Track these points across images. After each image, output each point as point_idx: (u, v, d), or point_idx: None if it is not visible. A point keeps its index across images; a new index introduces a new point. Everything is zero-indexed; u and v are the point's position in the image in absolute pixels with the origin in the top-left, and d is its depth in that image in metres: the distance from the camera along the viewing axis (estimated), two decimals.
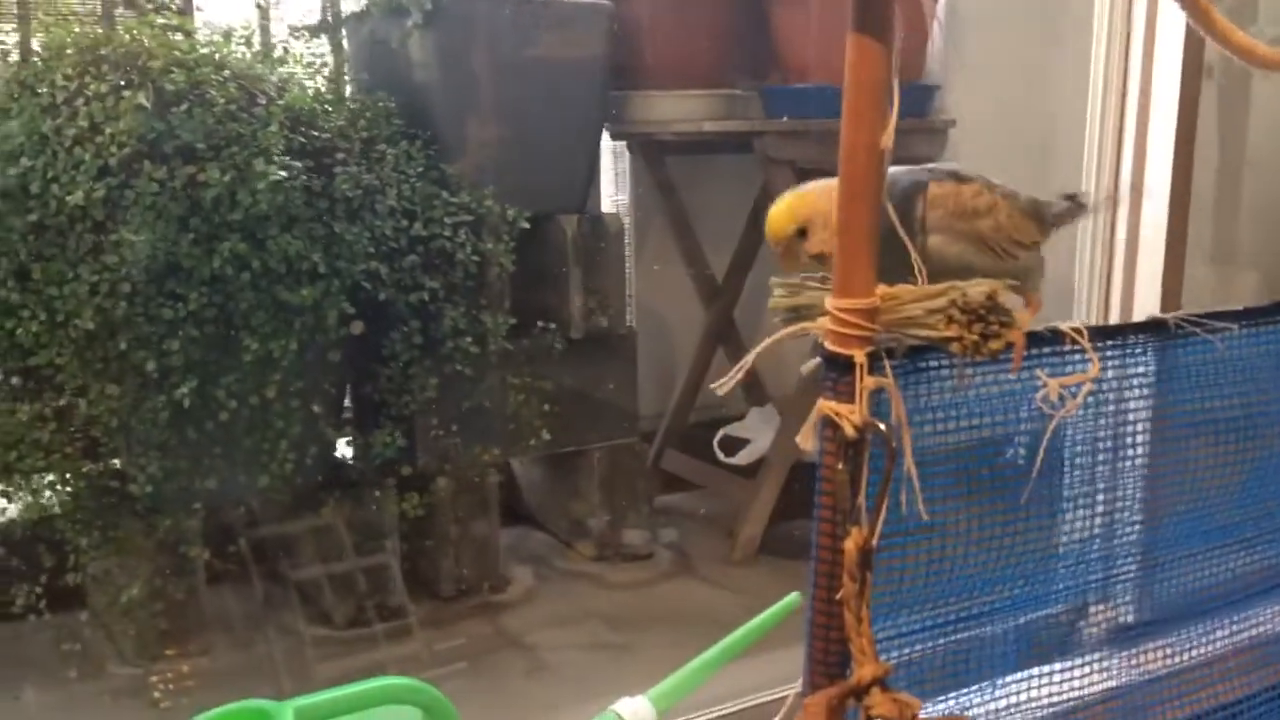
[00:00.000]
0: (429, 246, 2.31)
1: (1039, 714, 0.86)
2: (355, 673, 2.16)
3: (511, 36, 2.44)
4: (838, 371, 0.64)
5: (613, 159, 3.01)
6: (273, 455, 2.19)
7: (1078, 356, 0.72)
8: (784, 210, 0.87)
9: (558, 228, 2.56)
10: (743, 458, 2.85)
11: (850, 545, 0.63)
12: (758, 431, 2.86)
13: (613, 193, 3.04)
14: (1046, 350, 0.71)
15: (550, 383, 2.53)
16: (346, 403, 2.48)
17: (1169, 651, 0.94)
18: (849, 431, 0.63)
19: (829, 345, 0.64)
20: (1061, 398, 0.69)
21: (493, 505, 2.53)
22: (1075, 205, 0.95)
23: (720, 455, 2.89)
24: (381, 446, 2.35)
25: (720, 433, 2.91)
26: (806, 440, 0.65)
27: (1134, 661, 0.93)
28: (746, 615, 1.56)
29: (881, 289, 0.63)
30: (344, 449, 2.46)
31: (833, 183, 0.89)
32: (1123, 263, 1.88)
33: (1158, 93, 1.83)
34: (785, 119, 2.58)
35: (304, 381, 2.21)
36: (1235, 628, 0.96)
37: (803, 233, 0.85)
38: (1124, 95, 1.86)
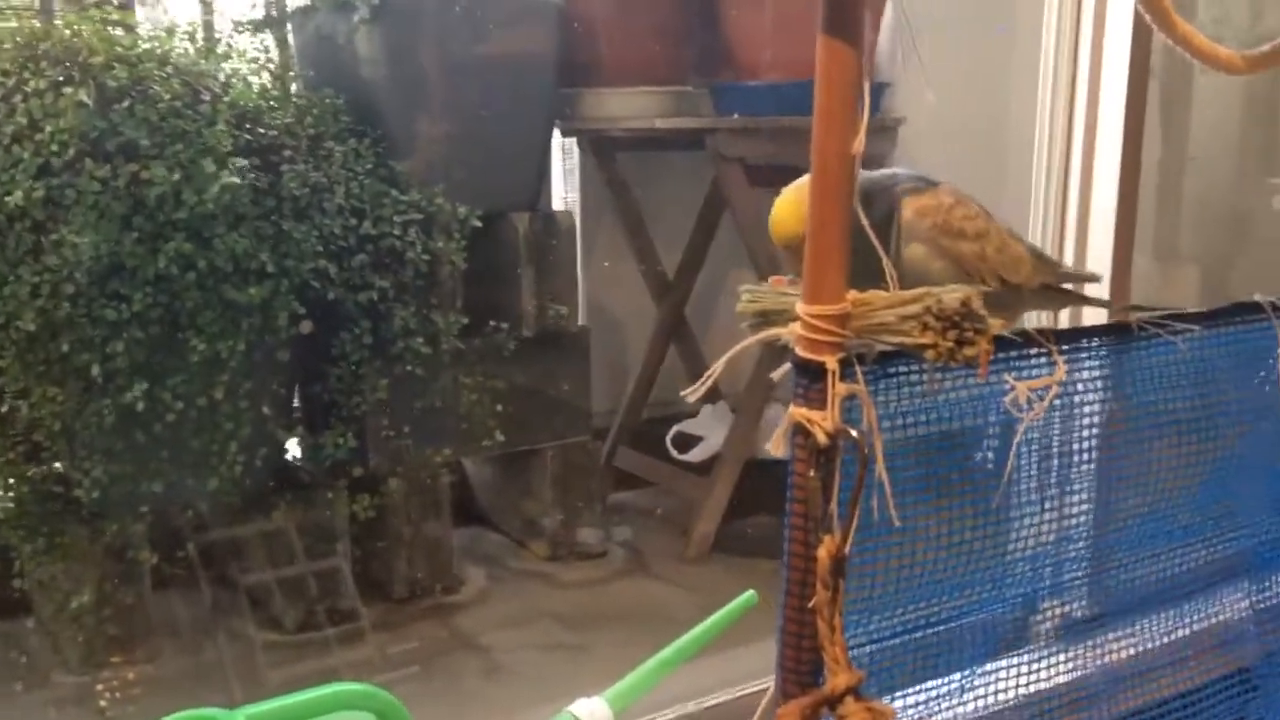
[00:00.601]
0: (378, 245, 2.28)
1: (1001, 707, 0.87)
2: (307, 678, 2.13)
3: (460, 33, 2.41)
4: (808, 378, 0.64)
5: (563, 156, 2.99)
6: (221, 458, 2.15)
7: (1043, 359, 0.72)
8: (790, 208, 0.83)
9: (509, 225, 2.54)
10: (696, 455, 2.85)
11: (823, 553, 0.62)
12: (711, 429, 2.86)
13: (564, 190, 3.03)
14: (1013, 354, 0.71)
15: (502, 382, 2.52)
16: (296, 404, 2.45)
17: (1128, 642, 0.95)
18: (821, 439, 0.62)
19: (800, 352, 0.64)
20: (1029, 401, 0.69)
21: (445, 506, 2.51)
22: (1087, 278, 0.96)
23: (673, 452, 2.88)
24: (332, 448, 2.32)
25: (673, 430, 2.91)
26: (778, 447, 0.65)
27: (1093, 653, 0.94)
28: (701, 613, 1.55)
29: (853, 295, 0.63)
30: (294, 450, 2.42)
31: None
32: (1072, 258, 1.89)
33: (1106, 91, 1.85)
34: (736, 116, 2.58)
35: (252, 382, 2.17)
36: (1193, 617, 0.96)
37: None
38: (1073, 93, 1.87)
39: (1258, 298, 0.83)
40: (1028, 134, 1.95)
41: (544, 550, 2.68)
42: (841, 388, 0.62)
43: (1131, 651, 0.95)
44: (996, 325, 0.61)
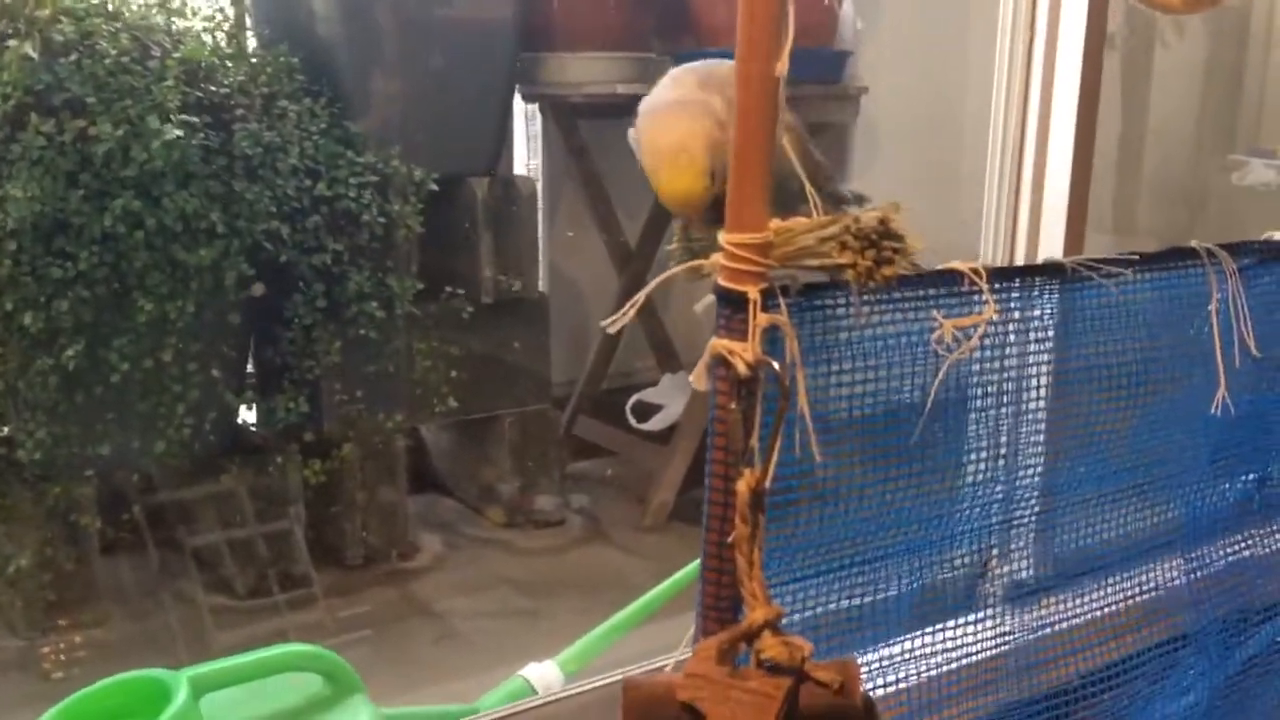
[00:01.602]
0: (333, 207, 2.25)
1: (934, 668, 0.86)
2: (256, 642, 2.10)
3: None
4: (731, 308, 0.62)
5: (526, 122, 2.96)
6: (169, 420, 2.12)
7: (976, 298, 0.71)
8: (688, 174, 0.81)
9: (468, 190, 2.52)
10: (656, 424, 2.85)
11: (742, 487, 0.61)
12: (671, 397, 2.86)
13: (525, 156, 3.00)
14: (943, 291, 0.70)
15: (459, 348, 2.50)
16: (249, 368, 2.42)
17: (1066, 607, 0.95)
18: (741, 369, 0.61)
19: (722, 281, 0.62)
20: (956, 339, 0.69)
21: (400, 471, 2.49)
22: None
23: (633, 421, 2.87)
24: (284, 411, 2.29)
25: (633, 399, 2.90)
26: (700, 380, 0.64)
27: (1031, 617, 0.93)
28: (656, 581, 1.55)
29: (775, 222, 0.62)
30: (246, 414, 2.40)
31: (682, 104, 0.85)
32: (1026, 232, 1.89)
33: (1061, 60, 1.84)
34: None
35: (202, 344, 2.14)
36: (1131, 582, 0.96)
37: (712, 177, 0.81)
38: (1029, 62, 1.86)
39: (1194, 244, 0.83)
40: (985, 102, 1.95)
41: (501, 517, 2.67)
42: (763, 318, 0.61)
43: (1070, 614, 0.94)
44: (916, 244, 0.60)
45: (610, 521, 2.72)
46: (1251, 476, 0.96)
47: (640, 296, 0.65)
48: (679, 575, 1.55)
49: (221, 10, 2.37)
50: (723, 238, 0.62)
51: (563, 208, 3.07)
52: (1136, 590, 0.97)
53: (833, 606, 0.73)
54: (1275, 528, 0.98)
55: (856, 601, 0.74)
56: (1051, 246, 1.91)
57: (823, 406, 0.64)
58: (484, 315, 2.54)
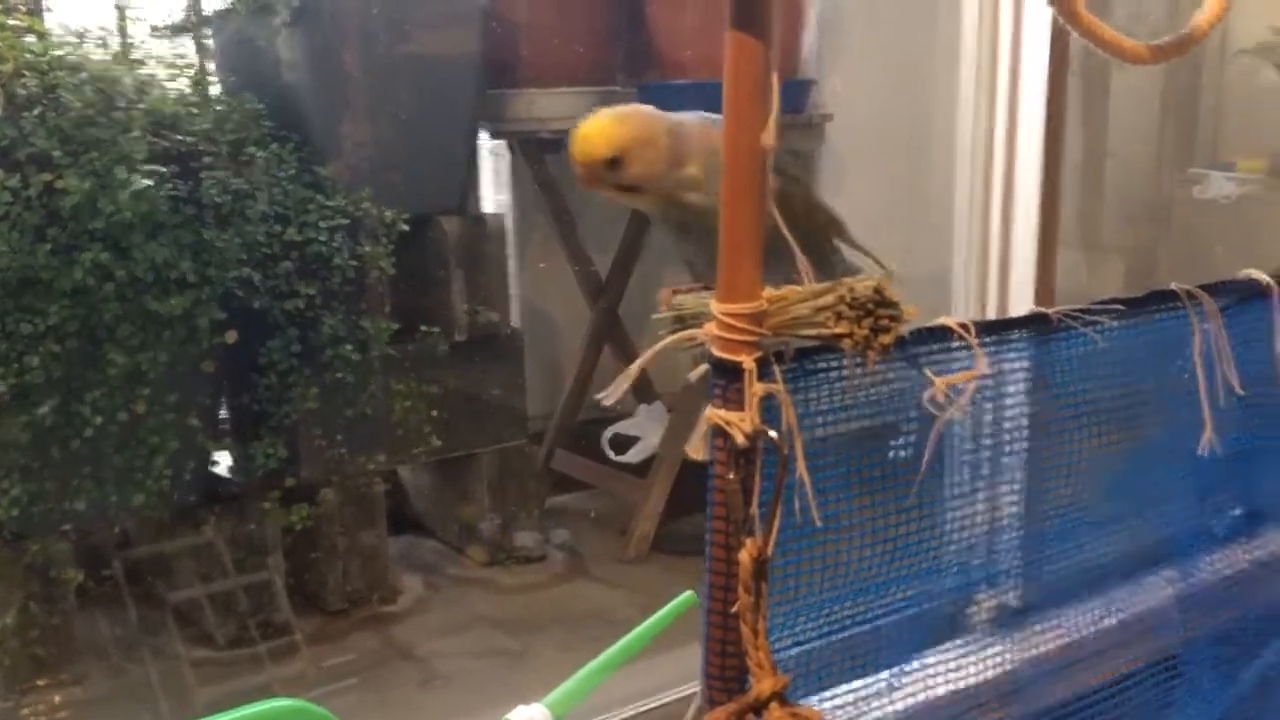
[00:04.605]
0: (304, 252, 2.24)
1: (931, 702, 0.86)
2: (240, 695, 2.09)
3: (383, 35, 2.38)
4: (726, 378, 0.62)
5: (492, 159, 2.96)
6: (146, 472, 2.10)
7: (963, 352, 0.72)
8: (599, 134, 0.85)
9: (438, 229, 2.51)
10: (633, 456, 2.84)
11: (744, 557, 0.61)
12: (647, 429, 2.85)
13: (493, 193, 3.00)
14: (934, 347, 0.71)
15: (436, 387, 2.49)
16: (223, 415, 2.40)
17: (1055, 633, 0.95)
18: (740, 440, 0.61)
19: (716, 352, 0.63)
20: (948, 396, 0.69)
21: (379, 514, 2.48)
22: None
23: (610, 454, 2.87)
24: (262, 459, 2.28)
25: (610, 431, 2.89)
26: (698, 451, 0.63)
27: (1022, 645, 0.94)
28: (641, 614, 1.54)
29: (768, 291, 0.62)
30: (223, 463, 2.38)
31: (649, 109, 0.89)
32: (998, 252, 1.91)
33: (1026, 86, 1.86)
34: None
35: (177, 395, 2.13)
36: (1121, 604, 0.97)
37: (615, 162, 0.84)
38: (994, 88, 1.89)
39: (1174, 286, 0.84)
40: (951, 128, 1.97)
41: (482, 556, 2.66)
42: (759, 387, 0.61)
43: (1059, 642, 0.95)
44: (911, 312, 0.61)
45: (592, 556, 2.72)
46: (1239, 512, 0.97)
47: (634, 369, 0.65)
48: (666, 609, 1.54)
49: (184, 57, 2.36)
50: (715, 307, 0.62)
51: (532, 243, 3.07)
52: (1129, 611, 0.97)
53: (834, 665, 0.74)
54: (1264, 561, 0.99)
55: (859, 657, 0.74)
56: (1024, 266, 1.93)
57: (819, 470, 0.64)
58: (459, 353, 2.53)
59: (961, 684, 0.88)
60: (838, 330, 0.59)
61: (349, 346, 2.30)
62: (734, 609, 0.63)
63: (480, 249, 2.56)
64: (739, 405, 0.62)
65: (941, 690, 0.87)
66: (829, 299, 0.60)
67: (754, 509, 0.62)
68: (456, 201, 2.56)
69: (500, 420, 2.65)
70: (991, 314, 1.90)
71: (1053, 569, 0.85)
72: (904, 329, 0.60)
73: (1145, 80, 3.05)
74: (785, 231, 0.64)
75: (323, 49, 2.35)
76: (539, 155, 2.90)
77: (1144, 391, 0.84)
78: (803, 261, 0.66)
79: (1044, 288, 1.87)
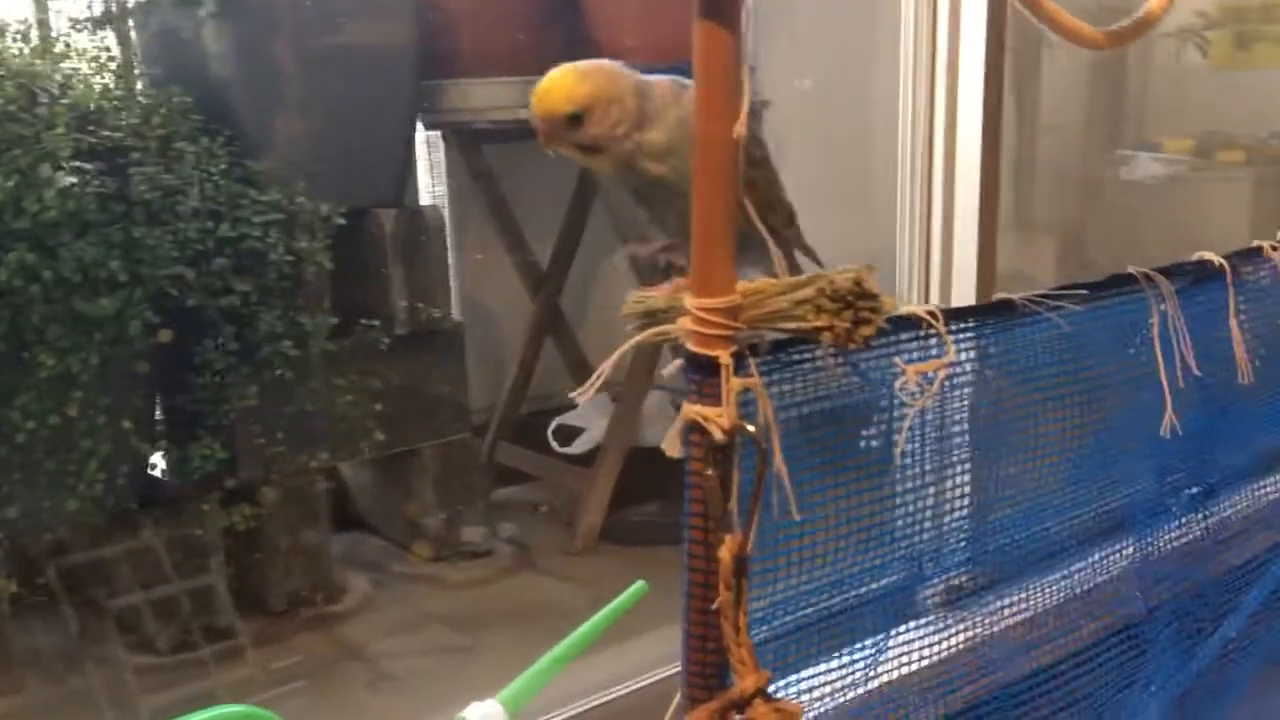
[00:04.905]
0: (238, 248, 2.19)
1: (902, 682, 0.87)
2: (185, 701, 2.05)
3: (314, 25, 2.34)
4: (701, 373, 0.62)
5: (428, 150, 2.93)
6: (79, 477, 2.05)
7: (932, 340, 0.72)
8: (562, 89, 0.84)
9: (375, 222, 2.48)
10: (578, 446, 2.83)
11: (725, 554, 0.60)
12: (591, 420, 2.84)
13: (430, 184, 2.96)
14: (904, 336, 0.71)
15: (377, 382, 2.45)
16: (160, 416, 2.35)
17: (1020, 609, 0.96)
18: (718, 436, 0.60)
19: (692, 347, 0.62)
20: (919, 385, 0.69)
21: (322, 513, 2.44)
22: None
23: (555, 445, 2.86)
24: (200, 460, 2.22)
25: (554, 423, 2.88)
26: (674, 448, 0.63)
27: (987, 621, 0.94)
28: (591, 605, 1.53)
29: (743, 285, 0.61)
30: (161, 465, 2.33)
31: (617, 65, 0.87)
32: (940, 234, 1.92)
33: (964, 69, 1.88)
34: None
35: (110, 397, 2.07)
36: (1083, 578, 0.97)
37: (575, 118, 0.83)
38: (933, 71, 1.90)
39: (1131, 270, 0.84)
40: (891, 112, 1.98)
41: (427, 552, 2.63)
42: (736, 382, 0.60)
43: (1023, 618, 0.96)
44: (889, 302, 0.60)
45: (539, 548, 2.70)
46: (1196, 490, 0.98)
47: (607, 366, 0.64)
48: (618, 601, 1.53)
49: (107, 51, 2.30)
50: (690, 301, 0.61)
51: (471, 234, 3.04)
52: (1086, 588, 0.98)
53: (814, 658, 0.73)
54: (1220, 538, 1.00)
55: (834, 647, 0.74)
56: (966, 248, 1.95)
57: (796, 462, 0.64)
58: (399, 348, 2.50)
59: (930, 661, 0.88)
60: (818, 323, 0.58)
61: (287, 343, 2.26)
62: (714, 606, 0.62)
63: (418, 241, 2.53)
64: (715, 400, 0.61)
65: (912, 669, 0.87)
66: (809, 291, 0.59)
67: (732, 505, 0.61)
68: (394, 194, 2.53)
69: (443, 414, 2.62)
70: (935, 296, 1.92)
71: (1018, 549, 0.86)
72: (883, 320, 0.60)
73: (1074, 63, 3.09)
74: (757, 222, 0.63)
75: (252, 40, 2.30)
76: (475, 146, 2.88)
77: (1105, 374, 0.85)
78: (777, 253, 0.65)
79: (985, 269, 1.89)
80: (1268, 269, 0.95)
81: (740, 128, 0.59)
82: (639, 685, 1.75)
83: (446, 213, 2.78)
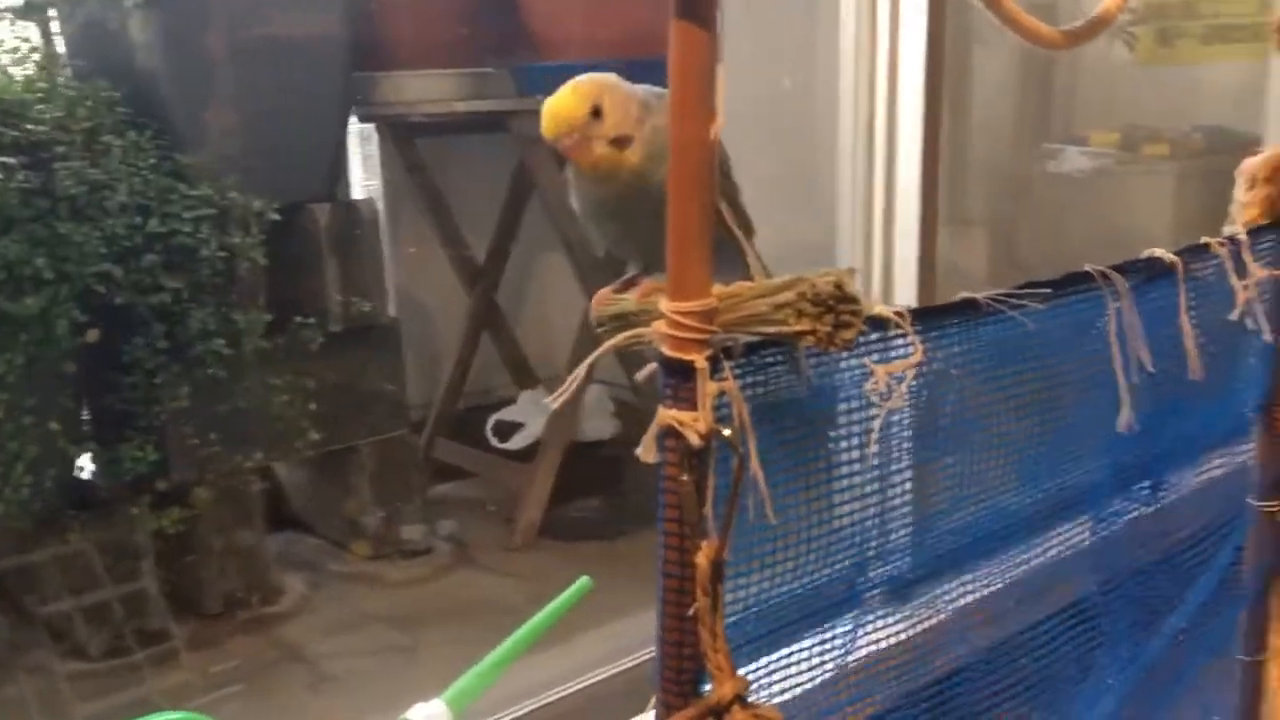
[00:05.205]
0: (169, 244, 2.14)
1: (858, 667, 0.86)
2: (120, 708, 2.00)
3: (244, 16, 2.29)
4: (677, 378, 0.61)
5: (361, 143, 2.89)
6: (6, 480, 1.99)
7: (899, 341, 0.72)
8: (570, 94, 0.82)
9: (309, 217, 2.44)
10: (517, 442, 2.81)
11: (702, 560, 0.60)
12: (530, 415, 2.83)
13: (363, 178, 2.92)
14: (874, 337, 0.71)
15: (312, 379, 2.41)
16: (90, 417, 2.29)
17: (979, 599, 0.96)
18: (694, 441, 0.60)
19: (667, 351, 0.61)
20: (889, 386, 0.69)
21: (257, 513, 2.40)
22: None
23: (494, 441, 2.83)
24: (131, 461, 2.17)
25: (493, 418, 2.86)
26: (649, 453, 0.62)
27: (947, 611, 0.94)
28: (532, 602, 1.52)
29: (718, 288, 0.61)
30: (91, 467, 2.27)
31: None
32: (881, 230, 1.94)
33: (904, 65, 1.89)
34: (539, 97, 2.53)
35: (37, 398, 2.01)
36: (1030, 554, 0.98)
37: (597, 112, 0.82)
38: (873, 67, 1.91)
39: (1088, 267, 0.86)
40: (832, 108, 1.98)
41: (366, 550, 2.60)
42: (712, 386, 0.60)
43: (984, 609, 0.96)
44: (870, 307, 0.60)
45: (479, 545, 2.68)
46: (1147, 483, 1.00)
47: (581, 369, 0.63)
48: (563, 597, 1.52)
49: (29, 42, 2.23)
50: (665, 305, 0.61)
51: (406, 229, 3.00)
52: (1038, 560, 0.98)
53: (785, 659, 0.73)
54: (1170, 531, 1.02)
55: (806, 650, 0.74)
56: (907, 243, 1.96)
57: (771, 464, 0.63)
58: (335, 344, 2.46)
59: (885, 644, 0.88)
60: (799, 328, 0.58)
61: (220, 341, 2.21)
62: (690, 613, 0.62)
63: (353, 236, 2.49)
64: (691, 405, 0.60)
65: (865, 654, 0.87)
66: (789, 295, 0.58)
67: (708, 510, 0.61)
68: (327, 188, 2.49)
69: (380, 411, 2.59)
70: (877, 290, 1.93)
71: (982, 544, 0.86)
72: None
73: (1004, 57, 3.13)
74: (733, 226, 0.63)
75: (180, 32, 2.24)
76: (409, 139, 2.84)
77: (1063, 372, 0.86)
78: (753, 256, 0.65)
79: (926, 263, 1.91)
80: (1213, 265, 0.97)
81: (717, 128, 0.59)
82: (587, 683, 1.75)
83: (381, 207, 2.74)
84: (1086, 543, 0.93)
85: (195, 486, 2.28)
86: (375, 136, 2.91)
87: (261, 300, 2.30)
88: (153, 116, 2.20)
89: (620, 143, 0.80)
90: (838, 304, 0.58)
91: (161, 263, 2.13)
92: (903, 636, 0.86)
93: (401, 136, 2.83)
